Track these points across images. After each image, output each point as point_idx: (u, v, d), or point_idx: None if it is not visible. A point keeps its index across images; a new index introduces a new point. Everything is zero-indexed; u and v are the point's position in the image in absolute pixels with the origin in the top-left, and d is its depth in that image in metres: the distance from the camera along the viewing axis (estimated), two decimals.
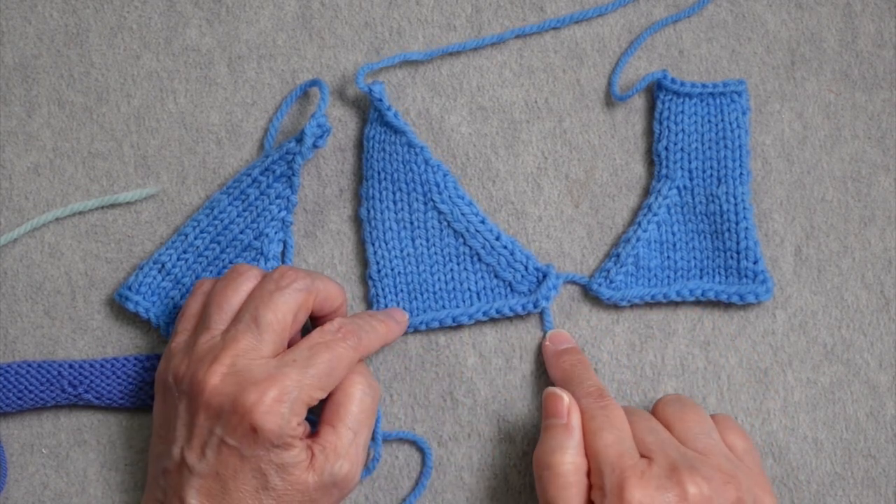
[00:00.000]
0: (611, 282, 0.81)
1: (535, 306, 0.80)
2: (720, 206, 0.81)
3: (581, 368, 0.78)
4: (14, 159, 0.83)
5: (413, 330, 0.81)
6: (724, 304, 0.81)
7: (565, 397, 0.74)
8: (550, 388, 0.75)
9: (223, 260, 0.81)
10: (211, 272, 0.81)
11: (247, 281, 0.75)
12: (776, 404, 0.81)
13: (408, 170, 0.81)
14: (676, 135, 0.82)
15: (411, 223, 0.81)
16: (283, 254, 0.82)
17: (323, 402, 0.75)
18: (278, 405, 0.70)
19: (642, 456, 0.72)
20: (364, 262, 0.82)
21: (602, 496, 0.71)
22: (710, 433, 0.75)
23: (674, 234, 0.81)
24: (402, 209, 0.81)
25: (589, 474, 0.72)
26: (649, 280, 0.81)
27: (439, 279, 0.81)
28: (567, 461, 0.72)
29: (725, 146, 0.81)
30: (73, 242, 0.83)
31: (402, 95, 0.83)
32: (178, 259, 0.81)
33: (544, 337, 0.81)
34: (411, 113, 0.83)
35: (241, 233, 0.81)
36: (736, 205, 0.80)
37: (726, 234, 0.80)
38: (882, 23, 0.83)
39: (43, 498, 0.81)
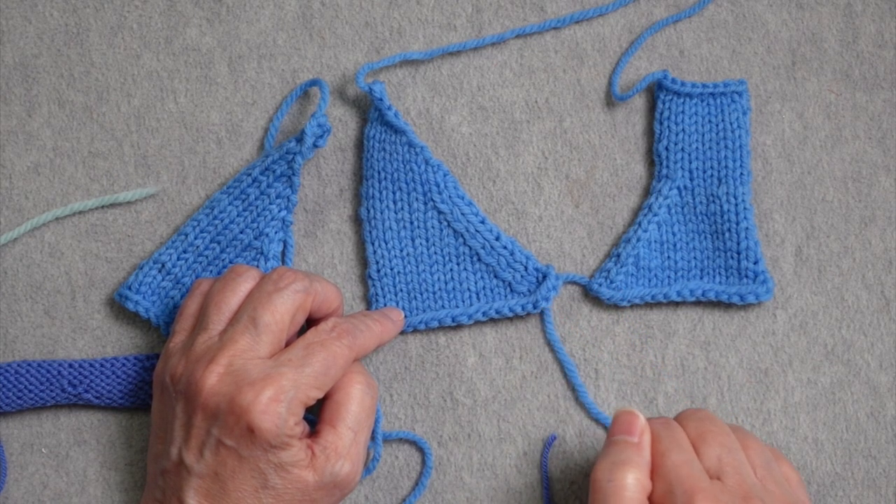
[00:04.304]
0: (611, 282, 0.81)
1: (535, 307, 0.80)
2: (721, 206, 0.81)
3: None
4: (14, 159, 0.83)
5: (413, 330, 0.81)
6: (724, 304, 0.81)
7: (642, 419, 0.71)
8: (628, 408, 0.72)
9: (223, 260, 0.81)
10: (211, 272, 0.81)
11: (245, 282, 0.75)
12: (776, 405, 0.81)
13: (408, 169, 0.81)
14: (677, 135, 0.81)
15: (411, 223, 0.81)
16: (283, 253, 0.82)
17: (321, 402, 0.75)
18: (275, 405, 0.70)
19: (714, 476, 0.70)
20: (364, 262, 0.82)
21: None
22: (772, 464, 0.73)
23: (674, 234, 0.81)
24: (402, 209, 0.81)
25: (652, 497, 0.70)
26: (649, 280, 0.81)
27: (439, 279, 0.81)
28: (633, 477, 0.69)
29: (726, 146, 0.81)
30: (73, 242, 0.83)
31: (403, 95, 0.83)
32: (178, 259, 0.81)
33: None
34: (411, 113, 0.83)
35: (241, 232, 0.81)
36: (736, 205, 0.80)
37: (727, 235, 0.80)
38: (883, 23, 0.83)
39: (43, 497, 0.81)
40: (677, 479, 0.69)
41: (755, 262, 0.80)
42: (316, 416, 0.76)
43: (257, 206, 0.80)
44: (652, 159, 0.83)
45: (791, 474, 0.74)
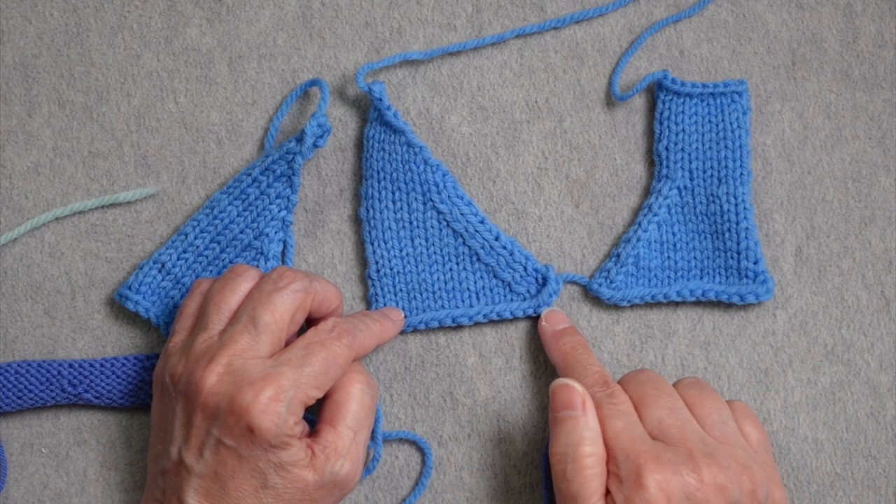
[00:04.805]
0: (611, 282, 0.81)
1: (536, 311, 0.80)
2: (721, 206, 0.81)
3: (582, 351, 0.78)
4: (14, 159, 0.83)
5: (413, 330, 0.81)
6: (724, 304, 0.81)
7: (579, 388, 0.73)
8: (562, 380, 0.74)
9: (223, 259, 0.81)
10: (211, 272, 0.81)
11: (245, 281, 0.75)
12: (776, 405, 0.81)
13: (407, 169, 0.81)
14: (677, 135, 0.81)
15: (411, 223, 0.81)
16: (283, 253, 0.82)
17: (321, 402, 0.75)
18: (275, 404, 0.70)
19: (657, 438, 0.72)
20: (364, 262, 0.82)
21: (619, 483, 0.70)
22: (728, 422, 0.74)
23: (674, 234, 0.81)
24: (402, 209, 0.81)
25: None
26: (649, 280, 0.81)
27: (438, 279, 0.81)
28: (589, 452, 0.71)
29: (726, 146, 0.81)
30: (73, 242, 0.83)
31: (402, 95, 0.83)
32: (178, 259, 0.81)
33: (539, 317, 0.80)
34: (411, 113, 0.83)
35: (241, 232, 0.81)
36: (736, 205, 0.80)
37: (727, 235, 0.80)
38: (883, 23, 0.83)
39: (43, 497, 0.81)
40: (619, 446, 0.71)
41: (755, 262, 0.80)
42: (316, 415, 0.76)
43: (257, 206, 0.80)
44: (652, 159, 0.83)
45: (753, 433, 0.75)
